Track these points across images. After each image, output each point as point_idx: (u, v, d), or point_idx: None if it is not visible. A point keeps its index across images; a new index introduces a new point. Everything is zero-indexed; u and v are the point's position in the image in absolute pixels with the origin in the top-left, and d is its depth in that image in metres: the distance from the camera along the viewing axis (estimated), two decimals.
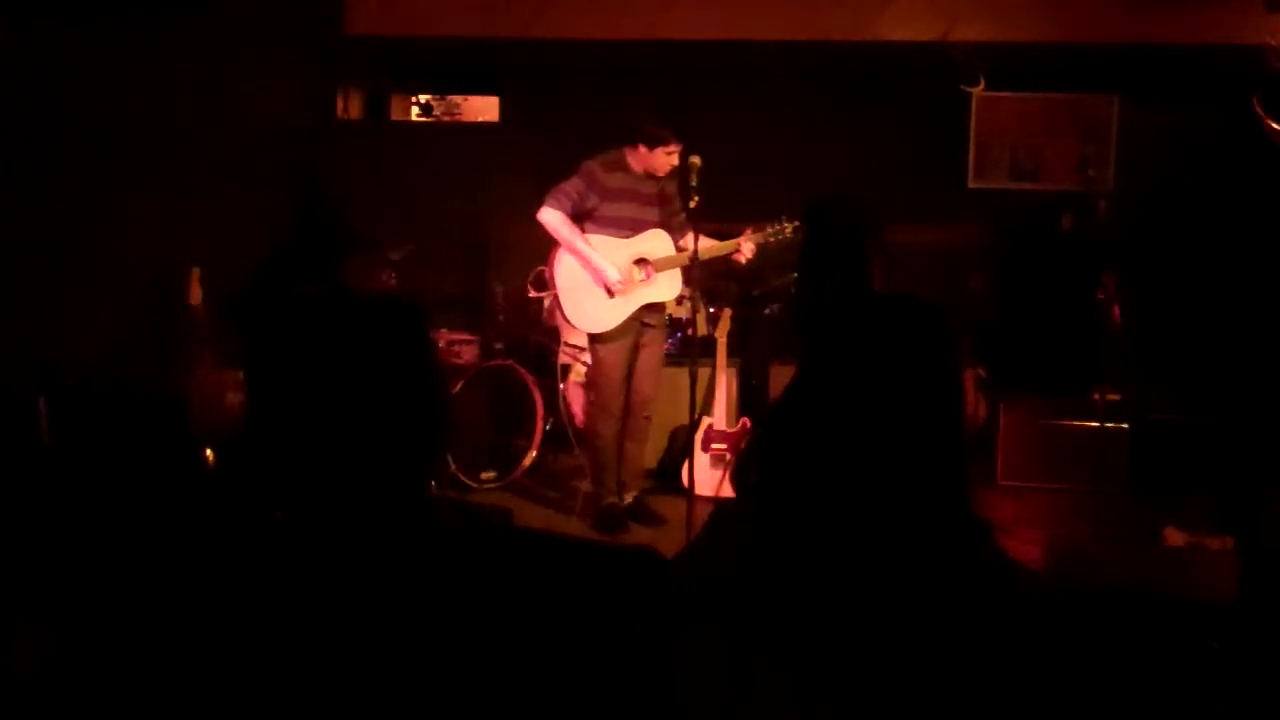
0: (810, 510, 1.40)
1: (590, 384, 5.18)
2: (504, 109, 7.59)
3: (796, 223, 4.93)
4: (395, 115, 8.03)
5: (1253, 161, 5.96)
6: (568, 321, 5.04)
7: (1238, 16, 5.92)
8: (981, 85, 6.35)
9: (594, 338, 5.00)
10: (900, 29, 6.40)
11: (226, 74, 5.82)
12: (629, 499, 5.16)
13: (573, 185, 4.83)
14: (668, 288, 4.95)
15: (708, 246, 4.77)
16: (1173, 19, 6.15)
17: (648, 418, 5.11)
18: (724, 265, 5.27)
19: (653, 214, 4.91)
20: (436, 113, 8.21)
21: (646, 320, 4.97)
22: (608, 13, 6.63)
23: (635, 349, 4.98)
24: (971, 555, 1.41)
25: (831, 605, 1.34)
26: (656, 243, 4.91)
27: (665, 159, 4.81)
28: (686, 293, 5.14)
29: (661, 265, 4.89)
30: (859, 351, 1.43)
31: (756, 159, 6.45)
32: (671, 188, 4.95)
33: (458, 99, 8.32)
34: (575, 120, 6.85)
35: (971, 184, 6.97)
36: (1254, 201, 6.24)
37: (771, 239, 4.91)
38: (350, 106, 7.52)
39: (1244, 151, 5.98)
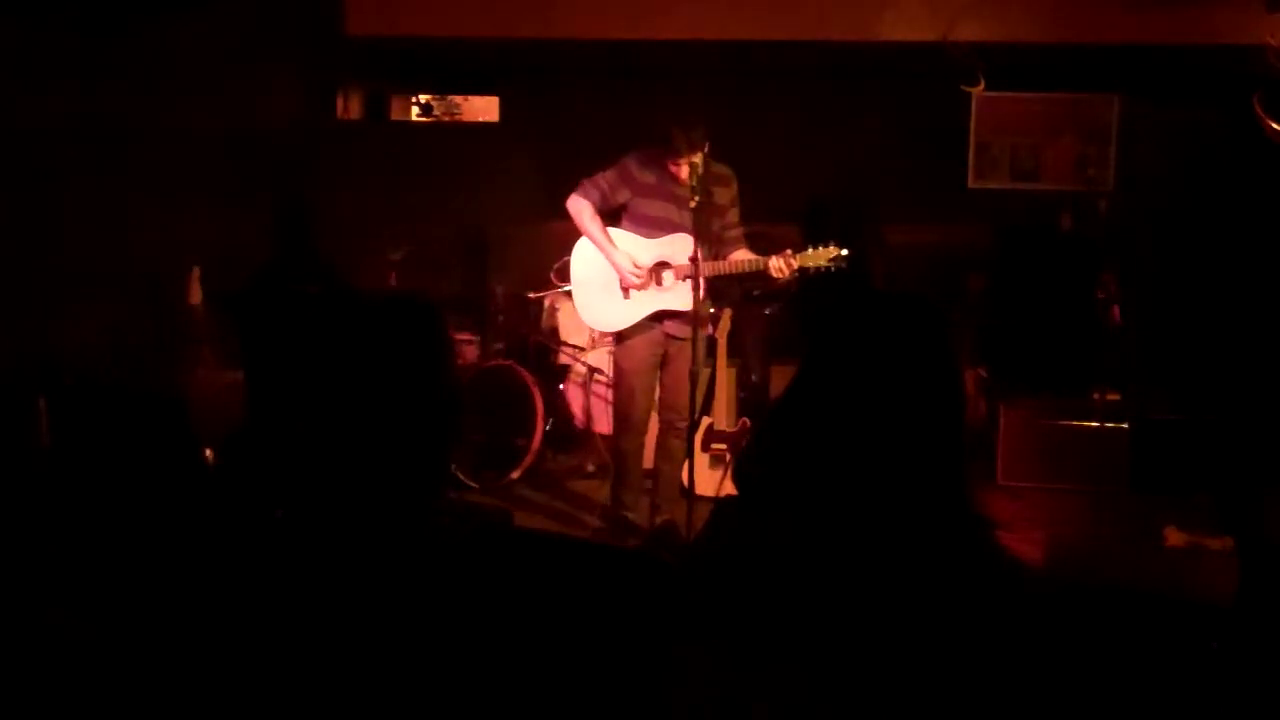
0: (812, 507, 1.39)
1: (613, 392, 4.98)
2: (504, 109, 7.59)
3: (841, 250, 4.46)
4: (395, 115, 8.03)
5: (1253, 161, 5.97)
6: (579, 315, 4.84)
7: (1238, 16, 5.92)
8: (981, 85, 6.35)
9: (616, 339, 4.85)
10: (900, 29, 6.39)
11: (226, 74, 5.82)
12: (660, 521, 4.84)
13: (605, 177, 4.67)
14: (687, 296, 4.54)
15: (740, 260, 4.57)
16: (1173, 19, 6.14)
17: (680, 431, 4.81)
18: (760, 279, 4.87)
19: (686, 218, 4.56)
20: (436, 113, 8.21)
21: (675, 334, 4.70)
22: (608, 13, 6.62)
23: (662, 361, 4.75)
24: (972, 552, 1.41)
25: (834, 601, 1.34)
26: (680, 247, 4.60)
27: (673, 169, 4.56)
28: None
29: (684, 272, 4.59)
30: (860, 350, 1.43)
31: (757, 159, 6.43)
32: (724, 197, 4.64)
33: (458, 99, 8.32)
34: (575, 120, 6.85)
35: (971, 184, 6.96)
36: (1254, 201, 6.24)
37: (812, 264, 4.46)
38: (350, 106, 7.52)
39: (1244, 151, 5.98)
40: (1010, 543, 1.44)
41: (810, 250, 4.46)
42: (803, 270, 4.47)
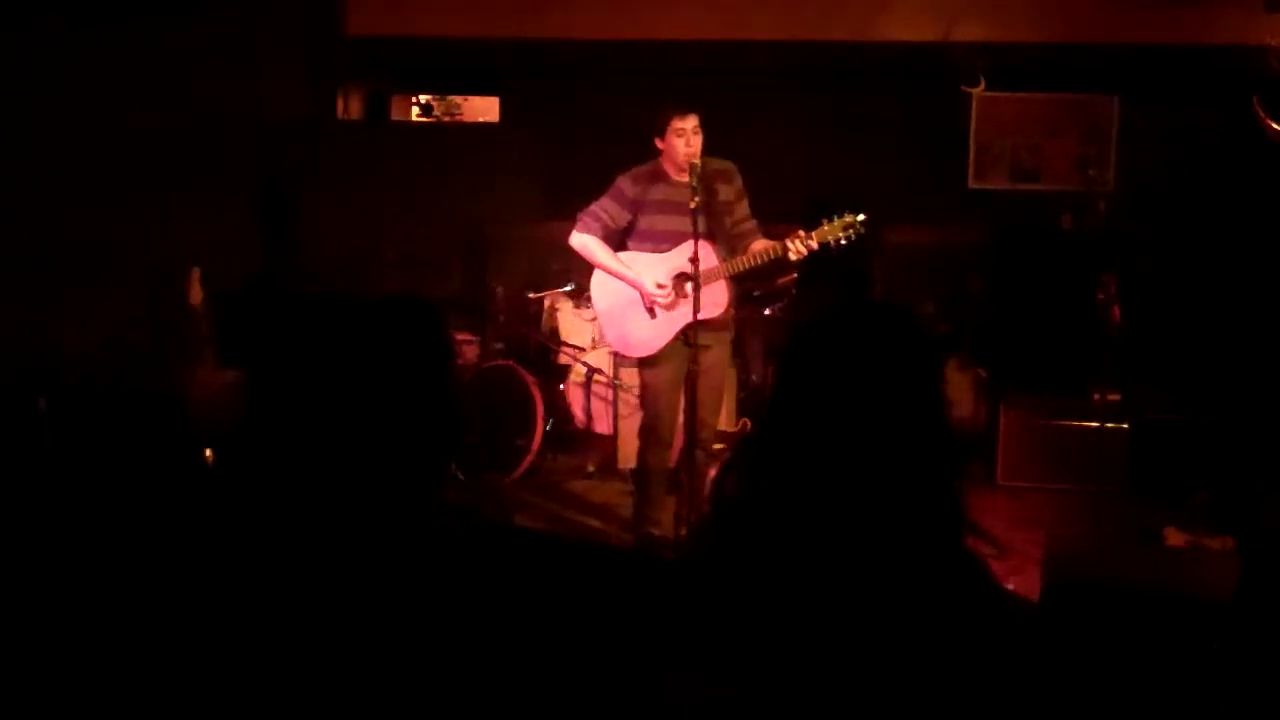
0: (792, 524, 1.38)
1: (641, 409, 4.78)
2: (504, 109, 7.59)
3: (856, 217, 4.34)
4: (395, 115, 8.03)
5: (1253, 162, 5.97)
6: (610, 347, 4.69)
7: (1238, 16, 5.93)
8: (982, 85, 6.36)
9: (642, 361, 4.68)
10: (900, 29, 6.40)
11: (227, 74, 5.82)
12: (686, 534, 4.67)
13: (601, 206, 4.54)
14: (715, 302, 4.43)
15: (757, 250, 4.43)
16: (1173, 19, 6.15)
17: (709, 447, 4.66)
18: (764, 278, 4.82)
19: (699, 225, 4.36)
20: (436, 113, 8.22)
21: (701, 341, 4.42)
22: (608, 13, 6.64)
23: (688, 373, 4.48)
24: (960, 586, 1.37)
25: (822, 612, 1.34)
26: (699, 255, 4.37)
27: (678, 140, 4.37)
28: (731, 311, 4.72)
29: (704, 278, 4.32)
30: (833, 366, 1.40)
31: (756, 159, 6.43)
32: (729, 193, 4.52)
33: (458, 99, 8.33)
34: (575, 120, 6.85)
35: (971, 184, 6.96)
36: (1254, 202, 6.24)
37: (830, 238, 4.34)
38: (350, 106, 7.52)
39: (1244, 152, 5.98)
40: (1001, 572, 1.43)
41: (825, 224, 4.33)
42: (823, 246, 4.34)
